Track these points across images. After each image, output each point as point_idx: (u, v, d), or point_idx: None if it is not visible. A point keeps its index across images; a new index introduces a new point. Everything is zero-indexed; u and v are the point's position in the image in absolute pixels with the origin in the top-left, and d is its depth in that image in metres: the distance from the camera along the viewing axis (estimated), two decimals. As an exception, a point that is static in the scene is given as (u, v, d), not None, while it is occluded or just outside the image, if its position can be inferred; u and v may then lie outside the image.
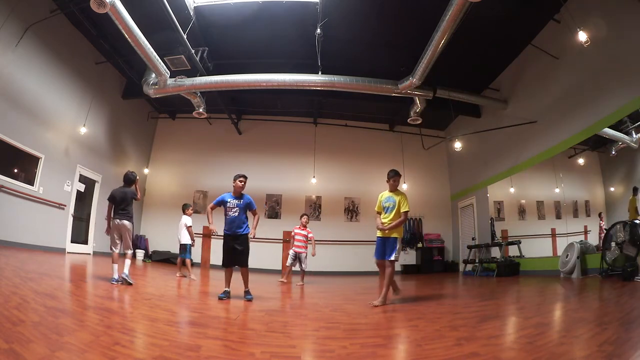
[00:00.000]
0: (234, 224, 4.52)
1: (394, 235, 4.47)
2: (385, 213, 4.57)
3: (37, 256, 6.37)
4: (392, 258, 4.40)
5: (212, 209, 4.78)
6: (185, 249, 7.19)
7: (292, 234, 7.45)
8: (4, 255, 5.47)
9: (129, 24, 6.16)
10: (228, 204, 4.58)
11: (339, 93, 8.91)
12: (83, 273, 5.57)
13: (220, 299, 4.33)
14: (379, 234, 4.58)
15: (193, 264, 11.07)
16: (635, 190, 6.18)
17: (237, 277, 4.66)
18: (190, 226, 7.21)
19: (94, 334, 2.30)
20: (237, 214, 4.54)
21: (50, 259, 6.48)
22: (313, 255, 7.35)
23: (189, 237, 7.17)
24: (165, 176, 12.50)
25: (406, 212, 4.51)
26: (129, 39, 6.45)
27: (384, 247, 4.50)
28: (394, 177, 4.60)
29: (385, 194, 4.68)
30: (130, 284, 4.78)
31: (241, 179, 4.63)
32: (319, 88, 8.15)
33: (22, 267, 4.81)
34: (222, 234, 4.61)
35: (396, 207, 4.51)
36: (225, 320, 3.31)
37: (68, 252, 8.34)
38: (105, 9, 5.55)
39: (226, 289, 4.53)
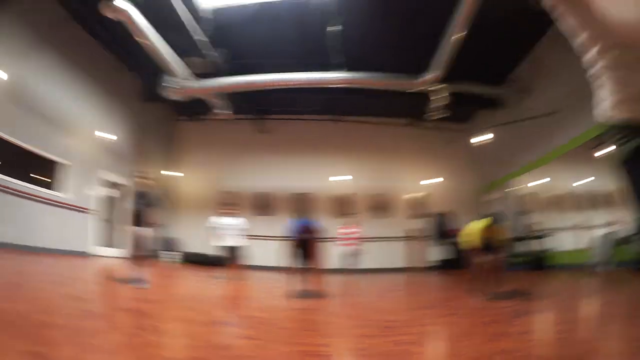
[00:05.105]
0: None
1: None
2: None
3: (64, 261, 6.50)
4: None
5: None
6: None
7: (341, 234, 8.20)
8: (33, 261, 5.61)
9: (143, 29, 6.16)
10: None
11: (359, 90, 8.85)
12: (111, 276, 5.64)
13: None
14: None
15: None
16: None
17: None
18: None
19: (125, 336, 2.35)
20: None
21: (77, 263, 6.62)
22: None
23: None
24: (190, 178, 12.70)
25: None
26: (144, 43, 6.46)
27: None
28: None
29: None
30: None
31: None
32: (340, 85, 8.14)
33: (50, 272, 4.93)
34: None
35: None
36: (258, 320, 3.37)
37: (95, 256, 8.43)
38: (119, 15, 5.60)
39: None
